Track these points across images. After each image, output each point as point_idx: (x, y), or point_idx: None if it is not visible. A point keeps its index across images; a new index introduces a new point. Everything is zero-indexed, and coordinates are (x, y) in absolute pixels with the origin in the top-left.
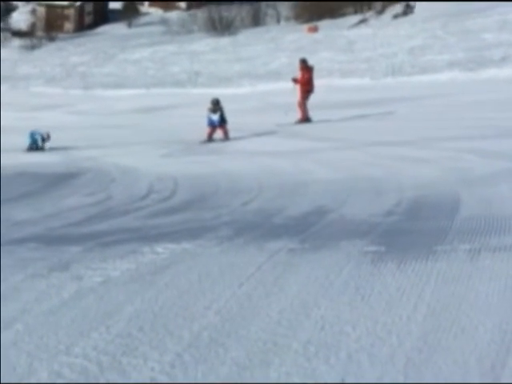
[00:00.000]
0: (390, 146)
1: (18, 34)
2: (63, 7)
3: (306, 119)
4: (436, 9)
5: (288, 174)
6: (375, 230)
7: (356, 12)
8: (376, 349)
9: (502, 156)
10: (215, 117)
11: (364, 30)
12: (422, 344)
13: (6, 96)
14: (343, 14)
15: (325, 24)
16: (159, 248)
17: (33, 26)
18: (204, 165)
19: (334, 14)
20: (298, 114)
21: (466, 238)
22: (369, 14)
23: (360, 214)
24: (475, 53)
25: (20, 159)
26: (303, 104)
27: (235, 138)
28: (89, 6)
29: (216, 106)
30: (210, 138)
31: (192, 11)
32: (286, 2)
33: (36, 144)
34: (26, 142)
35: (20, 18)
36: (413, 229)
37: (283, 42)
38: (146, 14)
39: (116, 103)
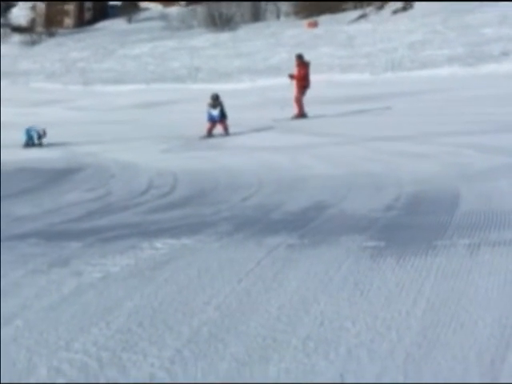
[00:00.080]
0: (390, 141)
1: (17, 29)
2: (63, 3)
3: (302, 115)
4: (435, 5)
5: (287, 169)
6: (374, 225)
7: (356, 7)
8: (375, 344)
9: (501, 151)
10: (215, 112)
11: (364, 25)
12: (422, 339)
13: (7, 92)
14: (343, 10)
15: (324, 19)
16: (159, 243)
17: (32, 21)
18: (204, 160)
19: (333, 10)
20: (294, 110)
21: (466, 233)
22: (369, 9)
23: (359, 209)
24: (475, 48)
25: (20, 155)
26: (300, 99)
27: (235, 134)
28: (88, 2)
29: (216, 101)
30: (210, 134)
31: (192, 6)
32: None
33: (32, 140)
34: (22, 138)
35: (20, 13)
36: (412, 224)
37: (283, 37)
38: (146, 9)
39: (116, 99)
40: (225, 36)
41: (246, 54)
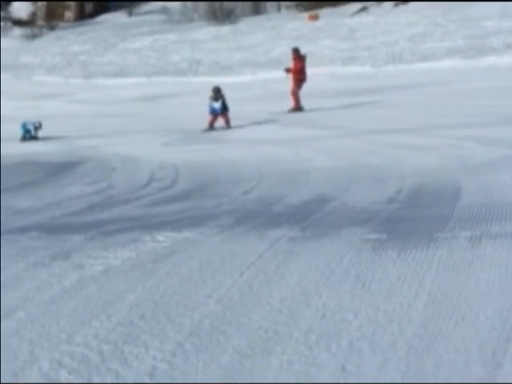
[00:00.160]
0: (391, 134)
1: (18, 23)
2: None
3: (298, 108)
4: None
5: (289, 162)
6: (376, 217)
7: (357, 0)
8: (377, 336)
9: (502, 143)
10: (217, 105)
11: (365, 18)
12: (423, 331)
13: (8, 85)
14: (344, 2)
15: (325, 12)
16: (160, 236)
17: (33, 15)
18: (205, 153)
19: (334, 2)
20: (290, 103)
21: (467, 226)
22: (369, 2)
23: (361, 201)
24: (476, 40)
25: (21, 148)
26: (296, 93)
27: (236, 127)
28: None
29: (217, 93)
30: (212, 127)
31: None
32: None
33: (29, 134)
34: (18, 132)
35: (21, 7)
36: (414, 216)
37: (284, 30)
38: (147, 2)
39: (117, 92)
40: (226, 29)
41: (247, 46)
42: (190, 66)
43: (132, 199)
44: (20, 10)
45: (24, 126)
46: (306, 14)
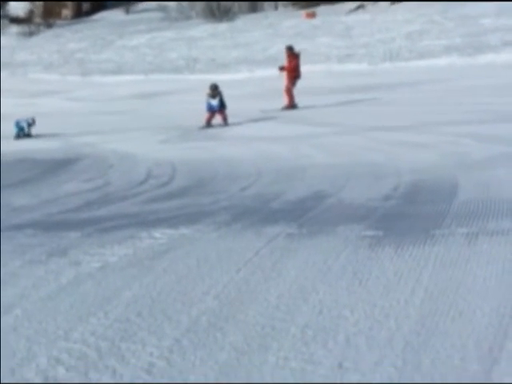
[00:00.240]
0: (388, 131)
1: (15, 20)
2: None
3: (292, 105)
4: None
5: (286, 159)
6: (373, 214)
7: None
8: (374, 332)
9: (499, 140)
10: (214, 102)
11: (362, 16)
12: (420, 327)
13: (5, 83)
14: (341, 0)
15: (322, 10)
16: (157, 233)
17: (30, 12)
18: (202, 150)
19: (331, 0)
20: (284, 100)
21: (464, 222)
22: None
23: (358, 198)
24: (473, 38)
25: (18, 146)
26: (290, 90)
27: (233, 124)
28: None
29: (215, 91)
30: (209, 124)
31: None
32: None
33: (23, 131)
34: (12, 130)
35: (18, 5)
36: (411, 213)
37: (281, 27)
38: (144, 0)
39: (114, 89)
40: (223, 27)
41: (244, 44)
42: (187, 64)
43: (129, 196)
44: (17, 8)
45: (18, 124)
46: (302, 12)
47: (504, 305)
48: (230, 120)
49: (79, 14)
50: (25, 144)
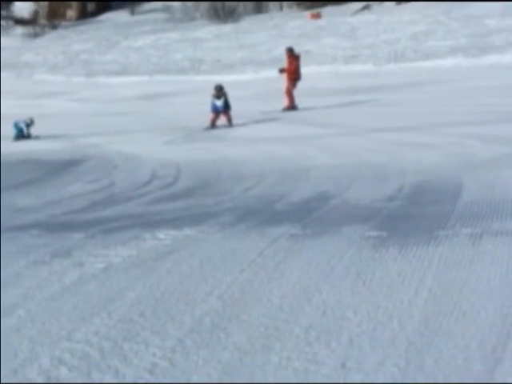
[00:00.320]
0: (393, 132)
1: (20, 22)
2: None
3: (292, 107)
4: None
5: (290, 160)
6: (377, 215)
7: None
8: (377, 333)
9: (504, 141)
10: (219, 103)
11: (367, 16)
12: (424, 328)
13: (10, 84)
14: (346, 1)
15: (327, 10)
16: (161, 234)
17: (35, 14)
18: (206, 151)
19: (336, 1)
20: (284, 102)
21: (468, 223)
22: (372, 1)
23: (362, 199)
24: (478, 39)
25: (22, 147)
26: (291, 92)
27: (238, 125)
28: None
29: (220, 91)
30: (214, 125)
31: None
32: None
33: (22, 133)
34: (11, 132)
35: (23, 6)
36: (415, 214)
37: (286, 28)
38: (149, 1)
39: (119, 90)
40: (228, 28)
41: (249, 45)
42: (192, 65)
43: (133, 197)
44: (22, 9)
45: (16, 125)
46: (307, 13)
47: (507, 305)
48: (234, 121)
49: (84, 15)
50: (28, 145)
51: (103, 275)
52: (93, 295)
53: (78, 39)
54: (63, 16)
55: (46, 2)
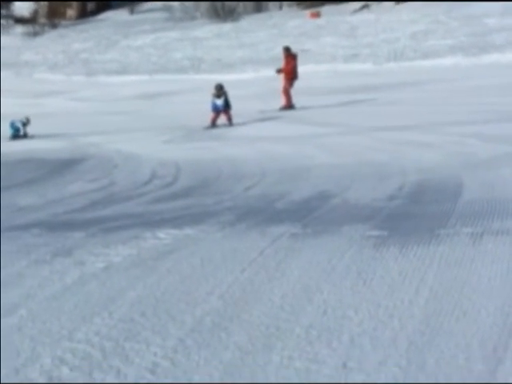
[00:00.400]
0: (393, 131)
1: (20, 21)
2: None
3: (290, 106)
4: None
5: (290, 159)
6: (378, 214)
7: None
8: (378, 332)
9: (504, 140)
10: (219, 102)
11: (366, 16)
12: (425, 327)
13: (10, 83)
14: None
15: (327, 9)
16: (161, 233)
17: (35, 13)
18: (206, 150)
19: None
20: (282, 101)
21: (469, 222)
22: (371, 0)
23: (363, 198)
24: (478, 38)
25: (23, 145)
26: (288, 91)
27: (238, 124)
28: None
29: (220, 91)
30: (214, 124)
31: None
32: None
33: (18, 131)
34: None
35: (23, 5)
36: (415, 213)
37: (286, 27)
38: (149, 0)
39: (119, 89)
40: (227, 27)
41: (249, 44)
42: (192, 64)
43: (133, 196)
44: (22, 8)
45: (13, 125)
46: (307, 12)
47: (509, 304)
48: (234, 120)
49: (84, 14)
50: (27, 144)
51: (104, 274)
52: (94, 294)
53: (78, 38)
54: (63, 15)
55: (45, 1)
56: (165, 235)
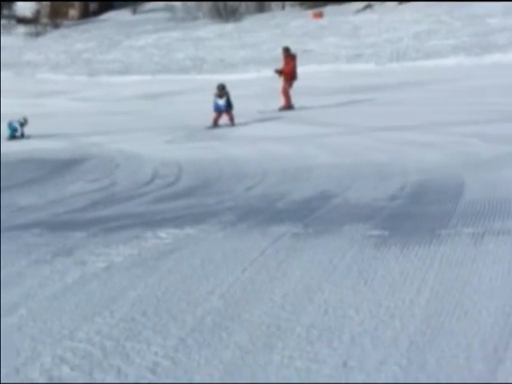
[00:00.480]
0: (395, 131)
1: (22, 21)
2: None
3: (289, 106)
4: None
5: (292, 159)
6: (379, 214)
7: None
8: (379, 332)
9: (506, 140)
10: (221, 102)
11: (369, 16)
12: (426, 327)
13: (12, 83)
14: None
15: (330, 9)
16: (162, 233)
17: (37, 13)
18: (208, 150)
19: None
20: (281, 101)
21: (470, 222)
22: (374, 0)
23: (364, 198)
24: (480, 38)
25: (24, 145)
26: (287, 91)
27: (240, 124)
28: None
29: (222, 91)
30: (216, 124)
31: None
32: None
33: (16, 132)
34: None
35: (25, 5)
36: (417, 213)
37: (288, 27)
38: (151, 0)
39: (121, 90)
40: (230, 27)
41: (252, 44)
42: (194, 64)
43: (135, 196)
44: (24, 8)
45: (10, 125)
46: (310, 12)
47: (510, 304)
48: (236, 120)
49: (86, 15)
50: (29, 144)
51: (105, 274)
52: (94, 294)
53: (80, 38)
54: (65, 15)
55: (48, 1)
56: (166, 235)
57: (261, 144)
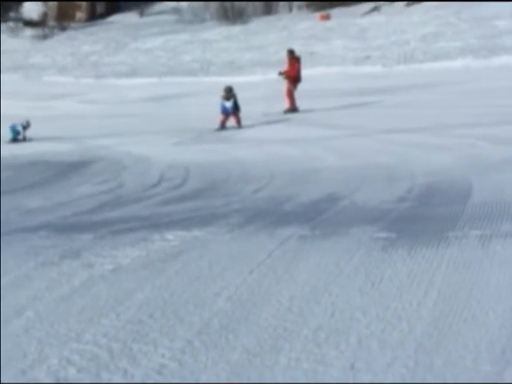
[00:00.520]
0: (402, 133)
1: (29, 23)
2: None
3: (293, 109)
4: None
5: (299, 161)
6: (387, 216)
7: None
8: (386, 334)
9: None
10: (228, 104)
11: (377, 18)
12: (433, 329)
13: (20, 85)
14: (356, 2)
15: (337, 12)
16: (170, 235)
17: (44, 15)
18: (215, 153)
19: (346, 2)
20: (285, 104)
21: (478, 224)
22: (381, 2)
23: (372, 200)
24: (488, 40)
25: (31, 148)
26: (292, 93)
27: (247, 126)
28: None
29: (229, 93)
30: (223, 126)
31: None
32: None
33: (19, 135)
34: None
35: (32, 7)
36: (424, 215)
37: (295, 30)
38: (158, 2)
39: (128, 92)
40: (237, 29)
41: (258, 46)
42: (202, 66)
43: (142, 198)
44: (31, 11)
45: (13, 128)
46: (317, 14)
47: None
48: (243, 122)
49: (93, 17)
50: (36, 147)
51: (112, 276)
52: (102, 296)
53: (87, 41)
54: (72, 17)
55: (55, 4)
56: (173, 237)
57: (268, 146)
